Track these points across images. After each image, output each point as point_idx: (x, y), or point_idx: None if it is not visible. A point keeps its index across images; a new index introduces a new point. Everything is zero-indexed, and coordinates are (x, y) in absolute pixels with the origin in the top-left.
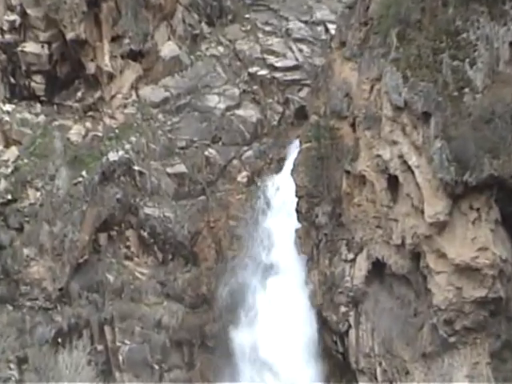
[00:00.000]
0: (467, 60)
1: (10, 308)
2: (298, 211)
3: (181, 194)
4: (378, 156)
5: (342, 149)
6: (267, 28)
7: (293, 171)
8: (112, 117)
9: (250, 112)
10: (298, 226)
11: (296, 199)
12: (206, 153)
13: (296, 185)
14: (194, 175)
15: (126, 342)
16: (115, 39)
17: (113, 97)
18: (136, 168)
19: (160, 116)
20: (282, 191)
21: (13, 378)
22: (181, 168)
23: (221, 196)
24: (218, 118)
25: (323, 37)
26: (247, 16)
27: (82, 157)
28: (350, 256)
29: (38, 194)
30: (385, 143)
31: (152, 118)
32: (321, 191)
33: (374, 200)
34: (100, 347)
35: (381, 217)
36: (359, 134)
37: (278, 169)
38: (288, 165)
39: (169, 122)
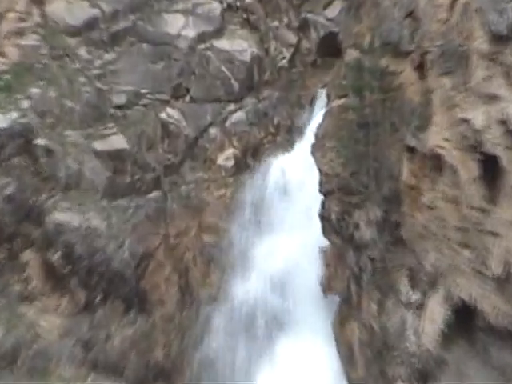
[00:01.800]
0: None
1: None
2: (323, 218)
3: (118, 189)
4: (465, 121)
5: (402, 109)
6: None
7: (315, 148)
8: None
9: (239, 44)
10: (324, 243)
11: (320, 197)
12: (163, 115)
13: (321, 172)
14: (141, 154)
15: None
16: None
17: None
18: (39, 142)
19: (82, 51)
20: (294, 183)
21: None
22: (118, 142)
23: (189, 191)
24: (183, 55)
25: None
26: None
27: None
28: (415, 297)
29: None
30: (476, 99)
31: (68, 55)
32: (364, 184)
33: (456, 199)
34: None
35: (469, 228)
36: (431, 82)
37: (289, 144)
38: (306, 137)
39: (97, 62)
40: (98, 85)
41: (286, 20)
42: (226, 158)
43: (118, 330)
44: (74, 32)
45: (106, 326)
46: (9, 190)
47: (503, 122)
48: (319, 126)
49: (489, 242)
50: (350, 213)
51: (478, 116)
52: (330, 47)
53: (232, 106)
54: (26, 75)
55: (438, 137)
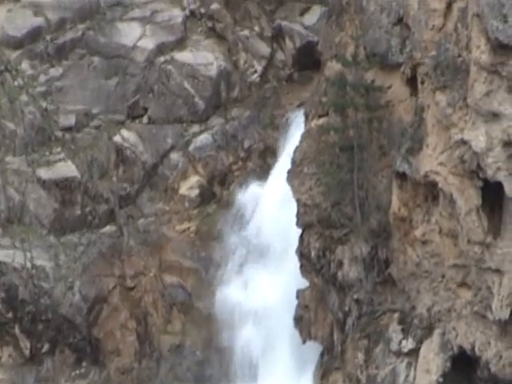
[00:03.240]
0: None
1: None
2: (301, 255)
3: (67, 223)
4: (463, 143)
5: (391, 130)
6: None
7: (292, 175)
8: None
9: (204, 56)
10: (303, 285)
11: (298, 231)
12: (117, 138)
13: (299, 202)
14: (92, 183)
15: None
16: None
17: None
18: None
19: (25, 65)
20: (268, 215)
21: None
22: (67, 169)
23: (147, 225)
24: (140, 69)
25: None
26: None
27: None
28: (409, 345)
29: None
30: (476, 117)
31: (8, 70)
32: (348, 215)
33: (454, 232)
34: None
35: (469, 265)
36: (425, 99)
37: (262, 170)
38: (281, 162)
39: (42, 78)
40: (43, 104)
41: (257, 28)
42: (189, 186)
43: (68, 383)
44: (16, 44)
45: (55, 380)
46: None
47: (507, 144)
48: (296, 150)
49: (491, 280)
50: (332, 249)
51: (479, 137)
52: (308, 59)
53: (196, 128)
54: None
55: (432, 161)
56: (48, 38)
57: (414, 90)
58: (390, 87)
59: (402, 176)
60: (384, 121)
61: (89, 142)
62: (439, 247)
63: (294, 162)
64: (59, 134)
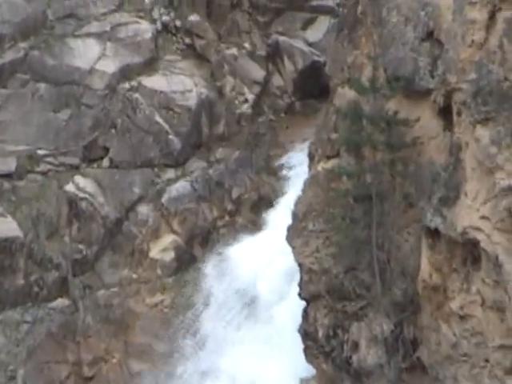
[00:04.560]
0: None
1: None
2: (306, 335)
3: (7, 295)
4: None
5: (419, 174)
6: None
7: (293, 233)
8: None
9: (181, 82)
10: (309, 372)
11: (302, 304)
12: (71, 187)
13: (302, 268)
14: (38, 245)
15: None
16: None
17: None
18: None
19: None
20: (263, 287)
21: None
22: (6, 228)
23: (109, 298)
24: (99, 99)
25: None
26: None
27: None
28: None
29: None
30: None
31: None
32: (365, 284)
33: (501, 304)
34: None
35: None
36: (462, 134)
37: (255, 227)
38: (279, 216)
39: None
40: None
41: (248, 46)
42: (162, 248)
43: None
44: None
45: None
46: None
47: None
48: (298, 201)
49: None
50: (345, 327)
51: None
52: (313, 85)
53: (171, 173)
54: None
55: (472, 214)
56: None
57: (449, 124)
58: (417, 120)
59: (434, 233)
60: (410, 163)
61: (34, 193)
62: (481, 324)
63: (295, 215)
64: None
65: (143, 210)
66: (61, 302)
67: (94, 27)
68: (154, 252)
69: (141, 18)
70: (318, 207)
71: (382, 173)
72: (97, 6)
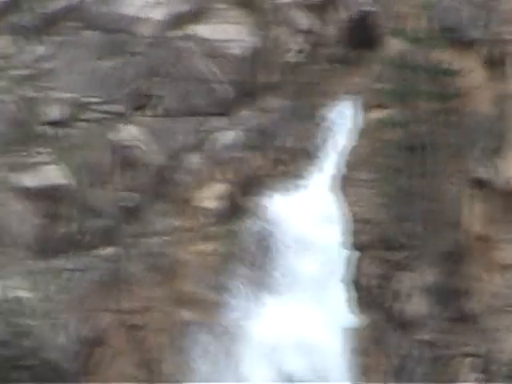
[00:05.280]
0: None
1: None
2: (356, 285)
3: (52, 243)
4: None
5: (467, 124)
6: None
7: (343, 183)
8: None
9: (230, 31)
10: (353, 321)
11: (353, 255)
12: (118, 135)
13: (353, 218)
14: (85, 193)
15: None
16: None
17: None
18: None
19: (2, 42)
20: (308, 234)
21: None
22: (52, 175)
23: (156, 246)
24: (146, 47)
25: None
26: None
27: None
28: None
29: None
30: None
31: None
32: (412, 234)
33: None
34: None
35: None
36: (509, 85)
37: (301, 176)
38: (327, 166)
39: (23, 58)
40: (23, 91)
41: None
42: (211, 197)
43: None
44: None
45: None
46: None
47: None
48: (347, 151)
49: None
50: (396, 277)
51: None
52: (365, 35)
53: (220, 122)
54: None
55: None
56: (27, 7)
57: (498, 75)
58: (468, 71)
59: (482, 183)
60: (459, 113)
61: (81, 140)
62: None
63: (345, 166)
64: (43, 129)
65: (193, 158)
66: (107, 250)
67: None
68: (202, 200)
69: None
70: (367, 157)
71: (430, 123)
72: None
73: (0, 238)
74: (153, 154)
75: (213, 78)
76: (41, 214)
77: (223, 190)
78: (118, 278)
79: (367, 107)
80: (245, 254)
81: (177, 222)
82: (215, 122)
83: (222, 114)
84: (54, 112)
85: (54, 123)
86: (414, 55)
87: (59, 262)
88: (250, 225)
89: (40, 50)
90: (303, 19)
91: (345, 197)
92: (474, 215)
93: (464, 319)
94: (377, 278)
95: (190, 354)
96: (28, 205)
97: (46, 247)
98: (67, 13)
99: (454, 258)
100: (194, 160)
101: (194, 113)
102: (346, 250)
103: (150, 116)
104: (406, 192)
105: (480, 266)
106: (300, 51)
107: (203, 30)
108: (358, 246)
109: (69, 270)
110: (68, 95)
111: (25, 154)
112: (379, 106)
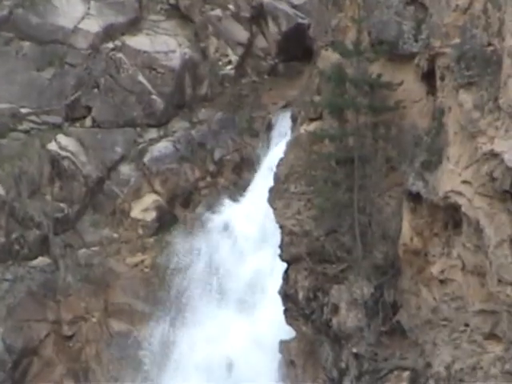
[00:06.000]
0: None
1: None
2: (286, 297)
3: None
4: (494, 155)
5: (402, 138)
6: None
7: (275, 195)
8: None
9: (164, 42)
10: (288, 333)
11: (282, 266)
12: (53, 146)
13: (284, 230)
14: (20, 203)
15: None
16: None
17: None
18: None
19: None
20: (242, 245)
21: None
22: None
23: (90, 257)
24: (82, 59)
25: None
26: None
27: None
28: None
29: None
30: (510, 122)
31: None
32: (346, 247)
33: (481, 268)
34: None
35: (500, 312)
36: (445, 98)
37: (237, 189)
38: (261, 178)
39: None
40: None
41: (232, 7)
42: (143, 208)
43: None
44: None
45: None
46: None
47: None
48: (281, 163)
49: None
50: (326, 289)
51: None
52: (297, 47)
53: (154, 133)
54: None
55: (454, 178)
56: None
57: (432, 88)
58: (400, 84)
59: (416, 197)
60: (393, 127)
61: (16, 151)
62: (462, 288)
63: (277, 177)
64: None
65: (125, 169)
66: (41, 260)
67: None
68: (135, 212)
69: None
70: (300, 169)
71: (364, 136)
72: None
73: None
74: (88, 165)
75: (146, 89)
76: None
77: (156, 202)
78: (54, 288)
79: (301, 120)
80: (177, 265)
81: (110, 233)
82: (149, 133)
83: (154, 126)
84: None
85: None
86: (352, 68)
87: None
88: (183, 236)
89: None
90: (234, 32)
91: (277, 209)
92: (411, 229)
93: (401, 333)
94: (312, 291)
95: (121, 364)
96: None
97: None
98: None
99: (390, 272)
100: (128, 171)
101: (128, 124)
102: (280, 262)
103: (87, 127)
104: (342, 205)
105: (417, 280)
106: (232, 63)
107: (137, 41)
108: (289, 259)
109: (6, 280)
110: (4, 106)
111: None
112: (313, 119)
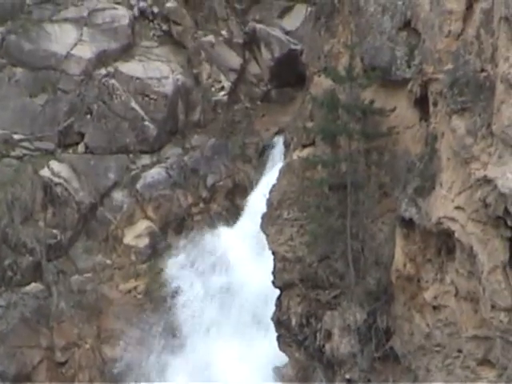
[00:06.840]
0: None
1: None
2: (279, 323)
3: None
4: (487, 182)
5: (394, 164)
6: None
7: (267, 221)
8: None
9: (157, 68)
10: (281, 360)
11: (275, 293)
12: (46, 172)
13: (276, 256)
14: (12, 230)
15: None
16: None
17: None
18: None
19: None
20: (237, 273)
21: None
22: None
23: (83, 284)
24: (75, 85)
25: None
26: None
27: None
28: None
29: None
30: (503, 148)
31: None
32: (339, 273)
33: (474, 294)
34: None
35: (493, 338)
36: (438, 124)
37: (230, 215)
38: (254, 204)
39: None
40: None
41: (225, 33)
42: (136, 235)
43: None
44: None
45: None
46: None
47: None
48: (273, 189)
49: None
50: (318, 315)
51: (506, 174)
52: (289, 73)
53: (146, 160)
54: None
55: (447, 204)
56: None
57: (425, 114)
58: (393, 110)
59: (409, 223)
60: (386, 153)
61: (8, 177)
62: (455, 314)
63: (270, 203)
64: None
65: (118, 196)
66: (34, 286)
67: (71, 12)
68: (128, 238)
69: (118, 3)
70: (293, 195)
71: (357, 162)
72: None
73: None
74: (81, 191)
75: (139, 115)
76: None
77: (148, 228)
78: (47, 314)
79: (294, 146)
80: (170, 292)
81: (103, 260)
82: (142, 160)
83: (147, 152)
84: None
85: None
86: (344, 94)
87: None
88: (176, 262)
89: None
90: (227, 58)
91: (269, 235)
92: (404, 255)
93: (394, 359)
94: (305, 317)
95: None
96: None
97: None
98: None
99: (383, 298)
100: (121, 198)
101: (121, 150)
102: (273, 289)
103: (80, 153)
104: (335, 231)
105: (410, 306)
106: (225, 89)
107: (130, 67)
108: (282, 285)
109: (0, 306)
110: None
111: None
112: (306, 145)
